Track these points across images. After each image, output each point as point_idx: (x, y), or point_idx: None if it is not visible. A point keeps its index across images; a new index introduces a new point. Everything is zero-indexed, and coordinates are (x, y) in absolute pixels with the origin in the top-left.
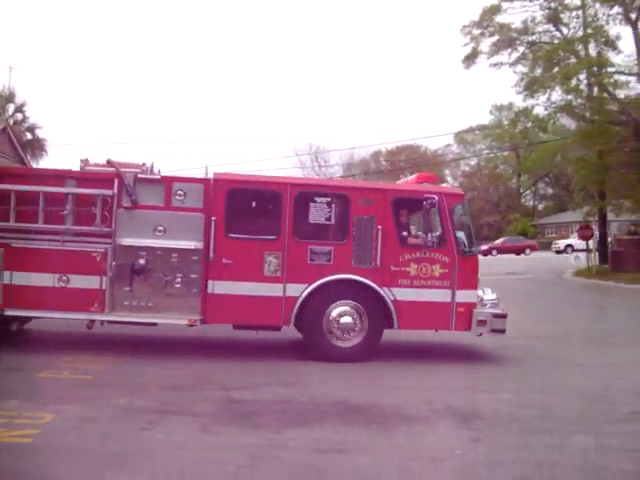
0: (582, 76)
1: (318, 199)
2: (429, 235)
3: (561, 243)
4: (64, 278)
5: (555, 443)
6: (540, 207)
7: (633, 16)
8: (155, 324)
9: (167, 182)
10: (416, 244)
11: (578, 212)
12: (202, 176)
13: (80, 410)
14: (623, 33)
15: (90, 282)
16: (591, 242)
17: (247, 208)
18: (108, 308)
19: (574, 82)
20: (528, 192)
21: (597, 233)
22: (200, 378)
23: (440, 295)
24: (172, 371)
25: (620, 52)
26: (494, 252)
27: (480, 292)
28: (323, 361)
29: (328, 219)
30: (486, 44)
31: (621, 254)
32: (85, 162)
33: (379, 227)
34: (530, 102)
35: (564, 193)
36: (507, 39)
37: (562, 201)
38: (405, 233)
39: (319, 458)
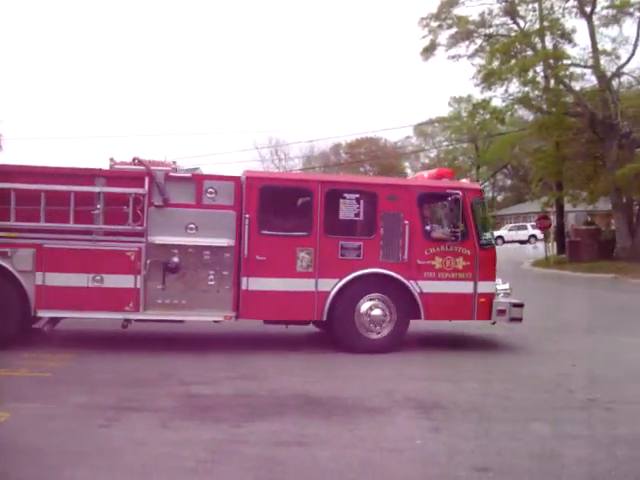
0: (539, 68)
1: (347, 196)
2: (453, 229)
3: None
4: (98, 278)
5: (514, 431)
6: (499, 198)
7: (588, 9)
8: (181, 321)
9: (198, 180)
10: (440, 238)
11: (536, 203)
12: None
13: (38, 408)
14: (578, 26)
15: (124, 281)
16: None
17: (279, 205)
18: (142, 307)
19: (531, 74)
20: (487, 183)
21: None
22: (160, 374)
23: (463, 287)
24: (132, 367)
25: (576, 45)
26: None
27: None
28: (354, 353)
29: (357, 215)
30: (444, 36)
31: (578, 244)
32: (113, 160)
33: (406, 222)
34: (488, 94)
35: (522, 184)
36: (465, 32)
37: (521, 192)
38: (429, 227)
39: (279, 451)
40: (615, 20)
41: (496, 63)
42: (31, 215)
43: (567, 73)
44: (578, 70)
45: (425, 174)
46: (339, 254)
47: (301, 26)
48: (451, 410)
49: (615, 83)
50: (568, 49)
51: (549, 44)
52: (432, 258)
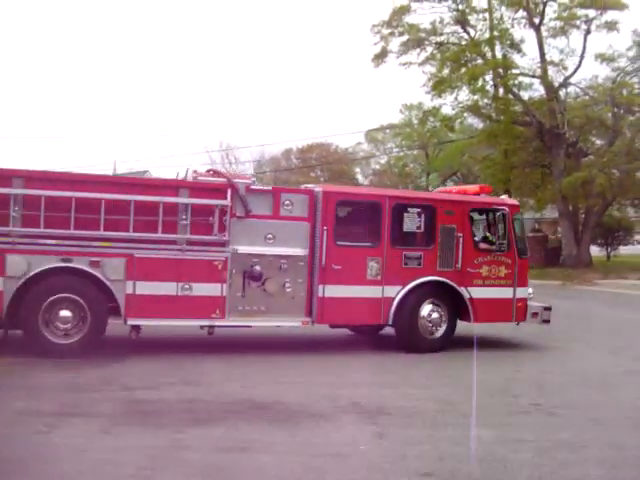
0: (488, 77)
1: (411, 210)
2: (499, 241)
3: None
4: (187, 286)
5: (457, 436)
6: None
7: (537, 21)
8: (249, 326)
9: (276, 193)
10: (486, 248)
11: None
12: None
13: None
14: (527, 37)
15: (212, 290)
16: None
17: (352, 218)
18: (227, 314)
19: (480, 83)
20: (437, 190)
21: None
22: (102, 379)
23: (505, 292)
24: (74, 372)
25: (524, 55)
26: None
27: None
28: (416, 353)
29: (418, 227)
30: (395, 44)
31: None
32: (197, 172)
33: (459, 234)
34: (438, 102)
35: None
36: (416, 39)
37: None
38: (477, 239)
39: (222, 458)
40: (563, 32)
41: (446, 71)
42: (121, 225)
43: (516, 82)
44: (526, 80)
45: (465, 188)
46: (403, 263)
47: (254, 29)
48: (395, 415)
49: (562, 93)
50: (517, 59)
51: (499, 53)
52: (480, 267)
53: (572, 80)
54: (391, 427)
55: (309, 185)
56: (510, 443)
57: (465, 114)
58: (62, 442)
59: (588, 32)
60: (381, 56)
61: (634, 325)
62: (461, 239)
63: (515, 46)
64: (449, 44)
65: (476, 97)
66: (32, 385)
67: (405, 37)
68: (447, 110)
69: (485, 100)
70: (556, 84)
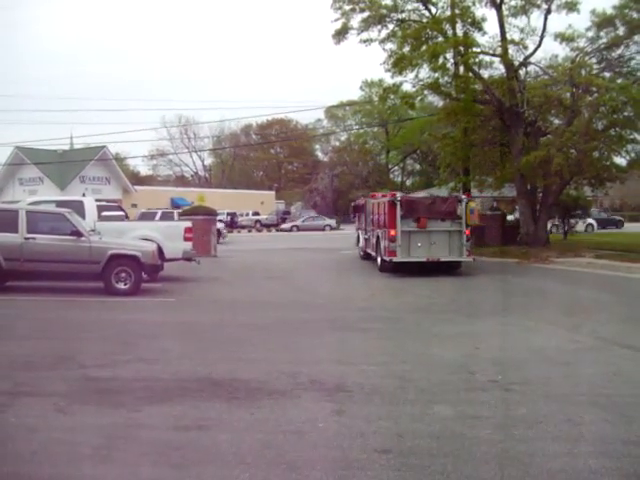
0: (449, 55)
1: None
2: None
3: None
4: None
5: (415, 413)
6: (408, 182)
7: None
8: None
9: None
10: None
11: (444, 188)
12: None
13: None
14: (488, 15)
15: None
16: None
17: None
18: None
19: (441, 60)
20: (397, 168)
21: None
22: (57, 357)
23: None
24: (27, 350)
25: (485, 33)
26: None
27: None
28: None
29: None
30: (356, 20)
31: (483, 229)
32: None
33: None
34: (398, 79)
35: (431, 169)
36: (377, 16)
37: (429, 177)
38: None
39: (179, 436)
40: (524, 11)
41: (407, 48)
42: None
43: (476, 61)
44: (487, 58)
45: None
46: None
47: (215, 4)
48: (354, 392)
49: (522, 72)
50: (478, 37)
51: (460, 32)
52: None
53: (532, 59)
54: (350, 404)
55: None
56: (468, 419)
57: (425, 92)
58: (15, 422)
59: (549, 12)
60: (342, 32)
61: (589, 302)
62: None
63: (476, 24)
64: (410, 21)
65: (437, 75)
66: None
67: (366, 13)
68: (407, 87)
69: (445, 78)
70: (516, 63)
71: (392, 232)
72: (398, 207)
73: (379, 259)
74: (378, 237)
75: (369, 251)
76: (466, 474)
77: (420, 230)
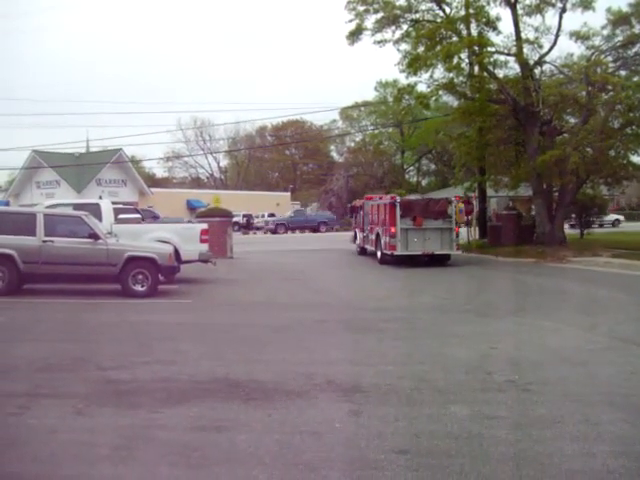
0: (463, 55)
1: None
2: None
3: None
4: None
5: (433, 413)
6: (424, 183)
7: None
8: None
9: None
10: None
11: (459, 188)
12: None
13: None
14: (503, 15)
15: None
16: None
17: None
18: None
19: (456, 60)
20: (412, 168)
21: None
22: (75, 359)
23: None
24: (46, 352)
25: (500, 33)
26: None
27: None
28: None
29: None
30: (370, 21)
31: (499, 228)
32: None
33: None
34: (413, 79)
35: (446, 169)
36: (391, 16)
37: (445, 177)
38: None
39: (197, 436)
40: (538, 10)
41: (421, 49)
42: None
43: (491, 60)
44: (502, 58)
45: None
46: None
47: (229, 6)
48: (371, 393)
49: (537, 71)
50: (492, 37)
51: (474, 31)
52: None
53: (547, 58)
54: (367, 404)
55: None
56: (485, 420)
57: (440, 92)
58: (35, 424)
59: (564, 10)
60: (356, 33)
61: (606, 302)
62: None
63: (491, 24)
64: (424, 21)
65: (451, 75)
66: (4, 365)
67: (380, 14)
68: (422, 88)
69: (460, 78)
70: (531, 62)
71: (393, 229)
72: (398, 208)
73: (379, 253)
74: (378, 234)
75: (366, 246)
76: (484, 474)
77: (416, 227)
